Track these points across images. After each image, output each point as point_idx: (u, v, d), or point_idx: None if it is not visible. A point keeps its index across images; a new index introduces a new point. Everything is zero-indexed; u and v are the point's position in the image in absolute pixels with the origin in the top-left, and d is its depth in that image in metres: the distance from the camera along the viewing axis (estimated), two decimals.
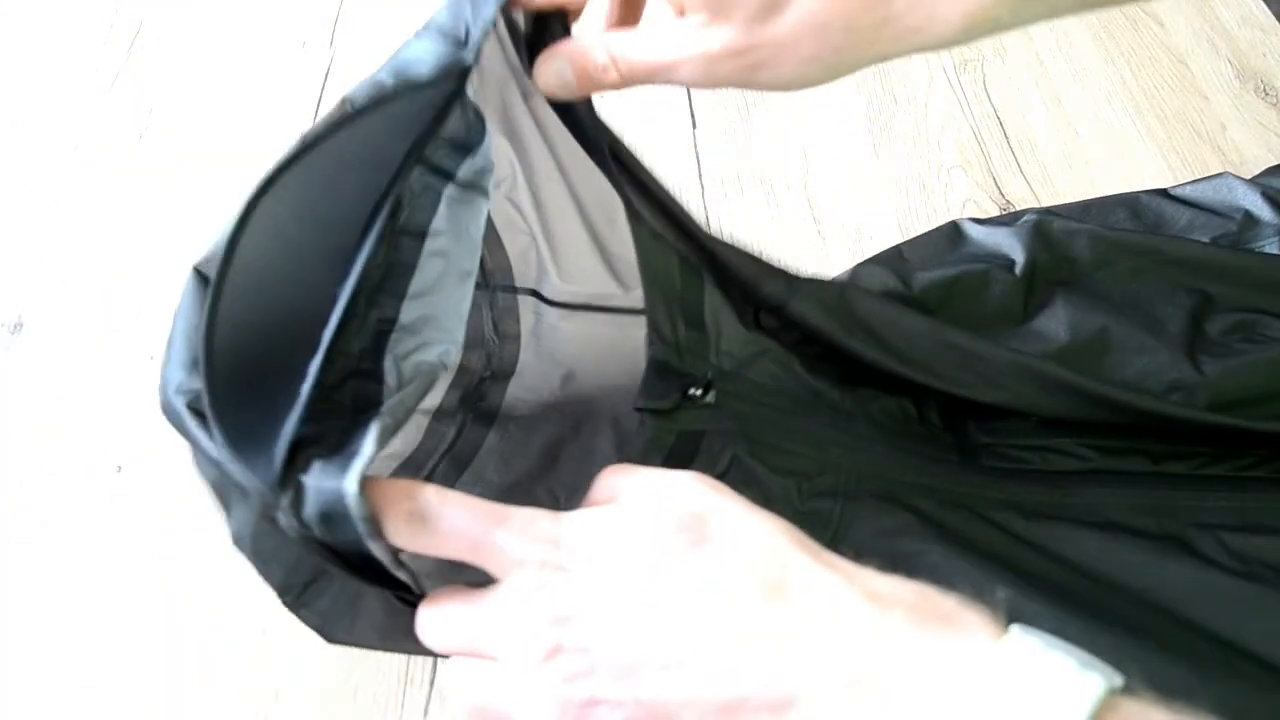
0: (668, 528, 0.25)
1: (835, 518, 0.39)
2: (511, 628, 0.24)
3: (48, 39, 0.67)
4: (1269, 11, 0.66)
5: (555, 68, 0.30)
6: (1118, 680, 0.21)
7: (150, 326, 0.52)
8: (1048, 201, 0.56)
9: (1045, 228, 0.47)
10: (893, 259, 0.50)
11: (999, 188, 0.57)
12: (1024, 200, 0.56)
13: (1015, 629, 0.22)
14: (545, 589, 0.24)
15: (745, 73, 0.29)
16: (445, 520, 0.24)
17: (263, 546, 0.28)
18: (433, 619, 0.26)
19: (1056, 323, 0.44)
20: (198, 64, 0.65)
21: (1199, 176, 0.56)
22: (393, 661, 0.41)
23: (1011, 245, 0.47)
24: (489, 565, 0.25)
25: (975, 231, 0.50)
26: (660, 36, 0.29)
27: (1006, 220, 0.51)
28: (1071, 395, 0.39)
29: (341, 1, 0.69)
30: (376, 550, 0.23)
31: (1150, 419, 0.40)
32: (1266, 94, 0.61)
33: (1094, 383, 0.39)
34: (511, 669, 0.24)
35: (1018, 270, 0.46)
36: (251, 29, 0.67)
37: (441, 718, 0.40)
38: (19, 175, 0.59)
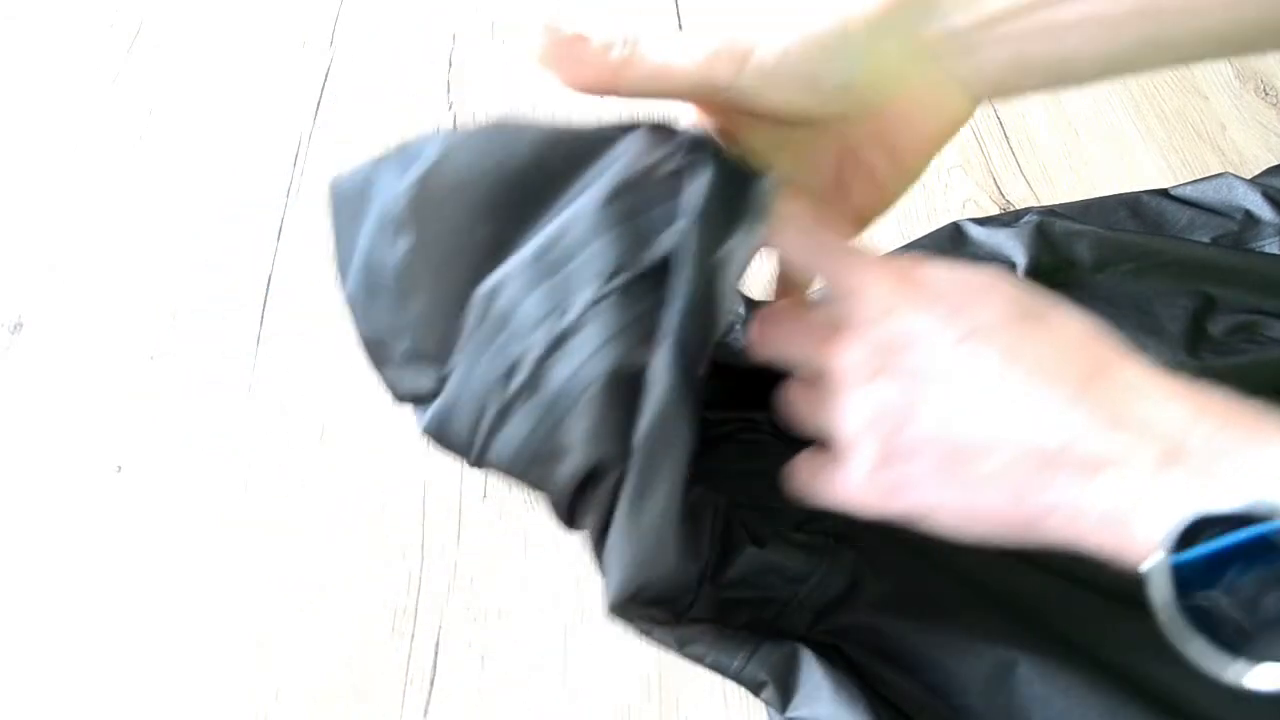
0: (1014, 300, 0.26)
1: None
2: (848, 348, 0.26)
3: (48, 40, 0.67)
4: None
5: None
6: None
7: (150, 326, 0.52)
8: (1048, 201, 0.56)
9: (1047, 228, 0.47)
10: None
11: (999, 188, 0.57)
12: (1024, 200, 0.56)
13: None
14: (891, 317, 0.26)
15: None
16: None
17: None
18: (773, 324, 0.29)
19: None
20: (198, 64, 0.65)
21: (1199, 176, 0.56)
22: (392, 662, 0.41)
23: (1013, 246, 0.47)
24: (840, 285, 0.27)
25: (976, 233, 0.50)
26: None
27: (1007, 220, 0.51)
28: None
29: (341, 1, 0.69)
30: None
31: None
32: (1266, 94, 0.61)
33: None
34: (838, 387, 0.26)
35: (1020, 272, 0.46)
36: (251, 29, 0.67)
37: (441, 718, 0.40)
38: (19, 175, 0.59)
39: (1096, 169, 0.57)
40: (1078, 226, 0.48)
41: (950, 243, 0.51)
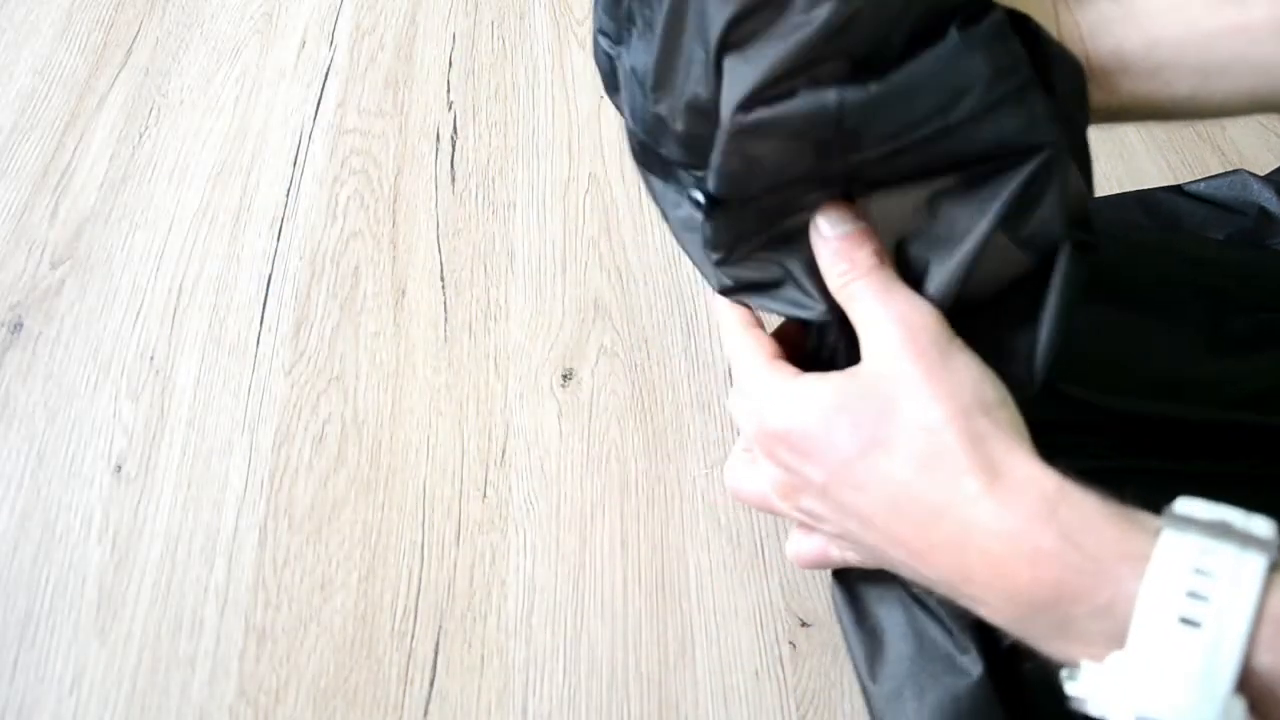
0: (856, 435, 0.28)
1: None
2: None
3: (47, 39, 0.67)
4: None
5: None
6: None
7: (150, 326, 0.52)
8: None
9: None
10: None
11: None
12: None
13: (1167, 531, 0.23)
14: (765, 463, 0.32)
15: None
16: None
17: None
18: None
19: (1078, 324, 0.44)
20: (197, 64, 0.65)
21: (1198, 176, 0.56)
22: (392, 662, 0.41)
23: None
24: None
25: None
26: None
27: None
28: (1091, 410, 0.40)
29: (341, 1, 0.69)
30: None
31: (1173, 421, 0.40)
32: None
33: (1113, 398, 0.40)
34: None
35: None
36: (251, 28, 0.67)
37: (441, 718, 0.40)
38: (18, 175, 0.59)
39: (1096, 168, 0.57)
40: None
41: None
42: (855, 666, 0.38)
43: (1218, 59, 0.28)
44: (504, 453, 0.47)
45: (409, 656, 0.41)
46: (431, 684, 0.41)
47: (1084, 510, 0.24)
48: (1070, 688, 0.23)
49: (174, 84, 0.64)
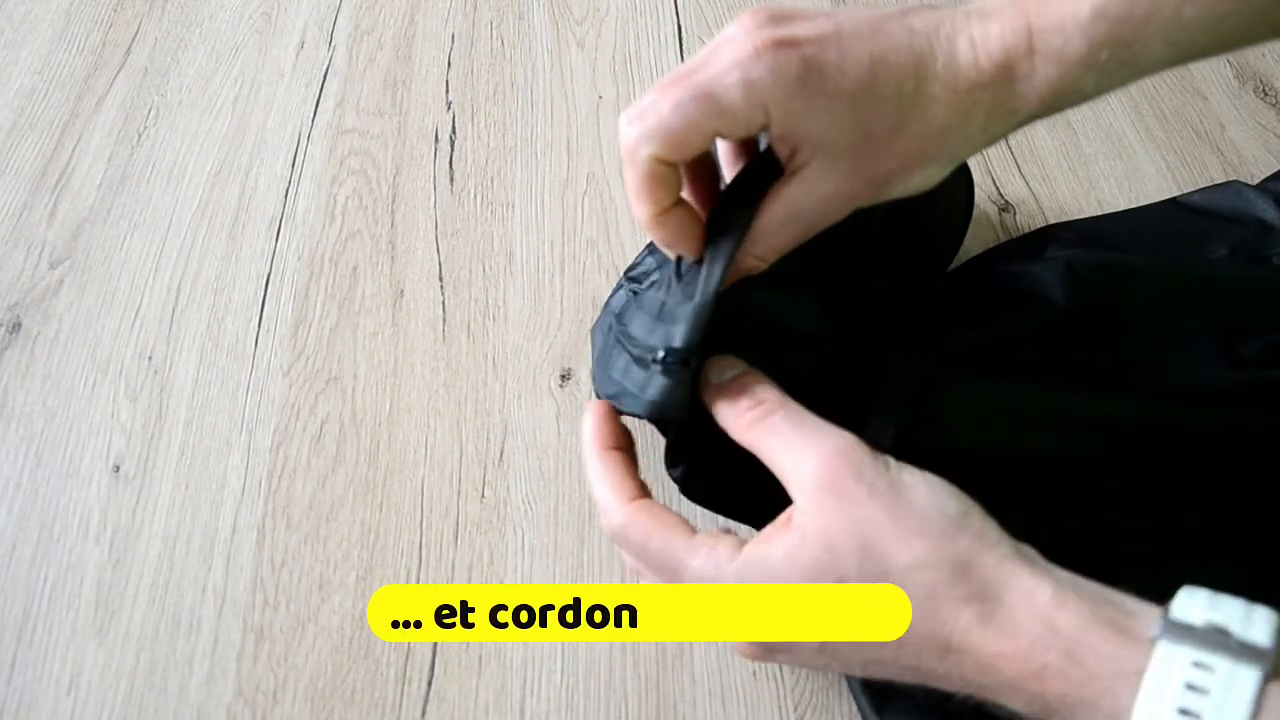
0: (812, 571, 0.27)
1: None
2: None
3: (46, 39, 0.67)
4: None
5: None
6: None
7: (149, 326, 0.52)
8: (1046, 200, 0.56)
9: (1077, 266, 0.47)
10: (934, 307, 0.50)
11: (997, 188, 0.57)
12: (1023, 200, 0.56)
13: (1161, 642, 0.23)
14: None
15: (879, 193, 0.30)
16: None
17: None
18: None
19: (1097, 357, 0.45)
20: (196, 64, 0.65)
21: (1198, 176, 0.56)
22: (390, 662, 0.41)
23: (1047, 283, 0.47)
24: None
25: (1002, 273, 0.49)
26: (788, 206, 0.30)
27: (1030, 250, 0.50)
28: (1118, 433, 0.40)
29: (341, 1, 0.69)
30: None
31: (1190, 437, 0.40)
32: (1266, 94, 0.61)
33: (1132, 407, 0.40)
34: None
35: (1054, 310, 0.46)
36: (250, 28, 0.67)
37: (439, 718, 0.40)
38: (17, 175, 0.59)
39: (1095, 169, 0.57)
40: (1104, 258, 0.47)
41: (980, 282, 0.50)
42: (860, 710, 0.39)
43: None
44: (502, 453, 0.47)
45: (407, 657, 0.41)
46: (429, 684, 0.41)
47: (1081, 617, 0.24)
48: None
49: (173, 84, 0.64)
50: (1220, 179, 0.55)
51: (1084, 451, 0.41)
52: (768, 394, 0.30)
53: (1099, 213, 0.55)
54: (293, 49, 0.66)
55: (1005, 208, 0.56)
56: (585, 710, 0.40)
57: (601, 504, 0.30)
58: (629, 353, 0.32)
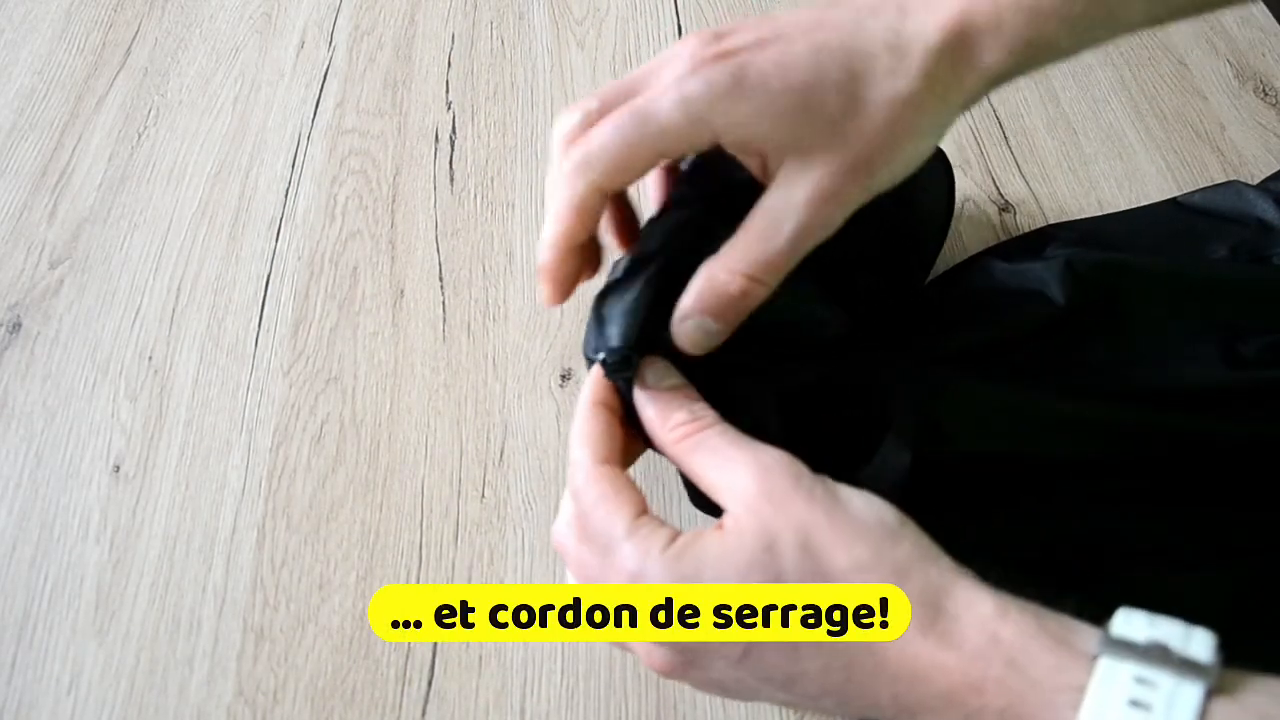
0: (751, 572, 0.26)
1: None
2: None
3: (46, 39, 0.67)
4: (1269, 12, 0.65)
5: (692, 325, 0.29)
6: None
7: (149, 326, 0.52)
8: (1046, 200, 0.56)
9: (1076, 265, 0.47)
10: (932, 307, 0.50)
11: (998, 188, 0.57)
12: (1023, 200, 0.56)
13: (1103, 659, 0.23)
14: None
15: (864, 182, 0.28)
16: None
17: None
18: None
19: (1096, 358, 0.45)
20: (196, 64, 0.65)
21: (1198, 176, 0.56)
22: (390, 662, 0.41)
23: (1047, 281, 0.47)
24: None
25: (1001, 270, 0.49)
26: (767, 214, 0.28)
27: (1030, 249, 0.51)
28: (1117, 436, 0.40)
29: (341, 1, 0.69)
30: None
31: (1189, 441, 0.40)
32: (1266, 94, 0.61)
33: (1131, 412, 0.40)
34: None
35: (1054, 309, 0.46)
36: (250, 28, 0.67)
37: (439, 718, 0.40)
38: (17, 175, 0.59)
39: (1095, 168, 0.57)
40: (1104, 258, 0.47)
41: (980, 281, 0.50)
42: None
43: None
44: (502, 453, 0.47)
45: (407, 657, 0.41)
46: (429, 684, 0.41)
47: (1024, 629, 0.23)
48: None
49: (173, 84, 0.64)
50: (1220, 179, 0.55)
51: (1083, 452, 0.41)
52: (704, 411, 0.29)
53: (1099, 213, 0.55)
54: (293, 49, 0.66)
55: (1005, 208, 0.56)
56: (585, 710, 0.40)
57: (572, 457, 0.29)
58: (586, 358, 0.32)
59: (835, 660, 0.25)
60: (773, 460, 0.27)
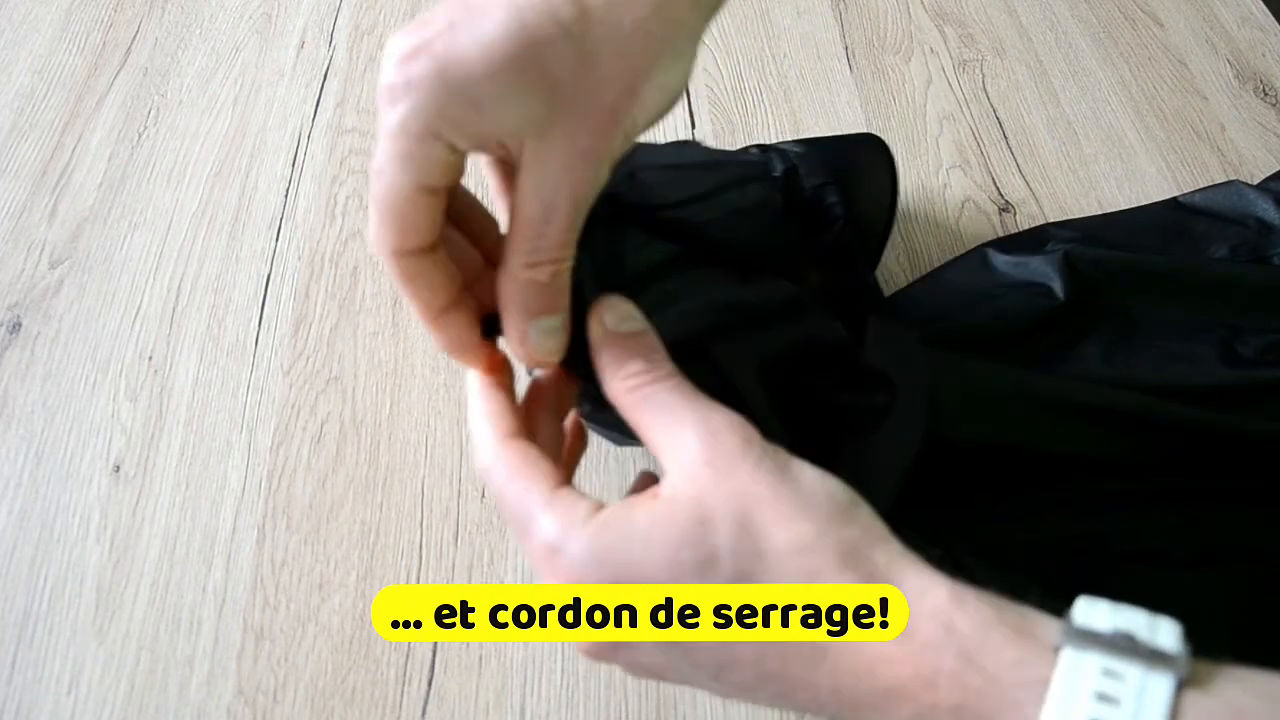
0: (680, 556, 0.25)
1: None
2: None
3: (46, 39, 0.67)
4: (1268, 11, 0.66)
5: (534, 333, 0.27)
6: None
7: (149, 326, 0.52)
8: (1046, 200, 0.56)
9: (1076, 259, 0.47)
10: (933, 292, 0.50)
11: (997, 188, 0.57)
12: (1023, 200, 0.56)
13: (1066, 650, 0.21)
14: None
15: (615, 130, 0.25)
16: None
17: None
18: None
19: (1094, 353, 0.45)
20: (196, 64, 0.65)
21: (1198, 176, 0.56)
22: (390, 662, 0.41)
23: (1047, 274, 0.47)
24: None
25: (1002, 262, 0.49)
26: (534, 199, 0.25)
27: (1030, 244, 0.51)
28: (1117, 427, 0.40)
29: (340, 1, 0.69)
30: None
31: (1188, 436, 0.40)
32: (1266, 94, 0.61)
33: (1134, 398, 0.40)
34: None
35: (1053, 300, 0.46)
36: (250, 28, 0.67)
37: (439, 718, 0.40)
38: (17, 175, 0.59)
39: (1095, 168, 0.57)
40: (1104, 254, 0.47)
41: (979, 272, 0.50)
42: None
43: None
44: None
45: (407, 656, 0.41)
46: (429, 684, 0.41)
47: (980, 620, 0.22)
48: None
49: (173, 84, 0.64)
50: (1220, 179, 0.55)
51: (1083, 450, 0.41)
52: (663, 363, 0.26)
53: (1099, 213, 0.55)
54: (293, 49, 0.66)
55: (1005, 208, 0.56)
56: (585, 710, 0.40)
57: (473, 437, 0.27)
58: None
59: (770, 648, 0.23)
60: (722, 423, 0.25)
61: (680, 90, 0.26)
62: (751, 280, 0.35)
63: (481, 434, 0.27)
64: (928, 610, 0.22)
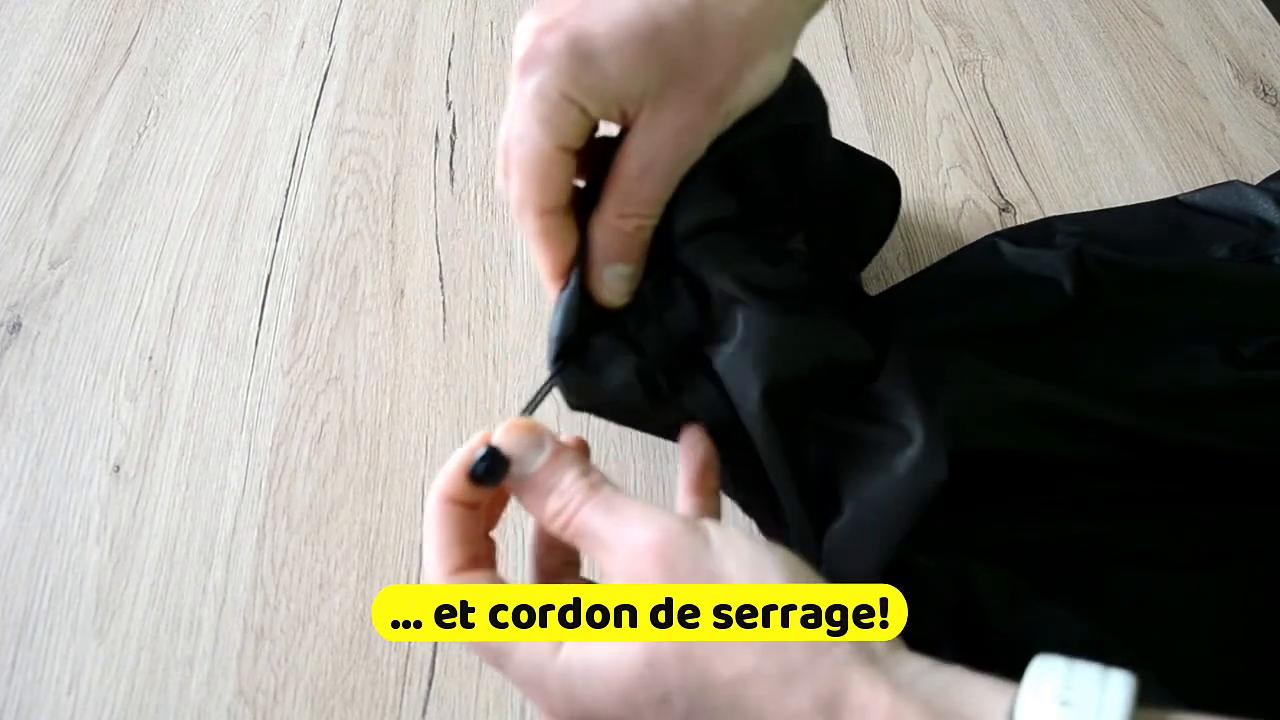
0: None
1: None
2: None
3: (46, 39, 0.67)
4: (1268, 11, 0.66)
5: (609, 274, 0.30)
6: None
7: (149, 326, 0.52)
8: (1046, 200, 0.56)
9: (1084, 258, 0.47)
10: (943, 282, 0.50)
11: (998, 188, 0.57)
12: (1023, 200, 0.56)
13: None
14: None
15: (719, 109, 0.29)
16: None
17: None
18: None
19: (1096, 352, 0.45)
20: (196, 64, 0.65)
21: (1198, 176, 0.56)
22: (390, 662, 0.41)
23: (1058, 269, 0.47)
24: None
25: (1012, 253, 0.49)
26: (636, 157, 0.29)
27: (1039, 237, 0.51)
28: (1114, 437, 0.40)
29: (340, 1, 0.69)
30: None
31: (1185, 450, 0.40)
32: (1266, 94, 0.61)
33: (1128, 415, 0.40)
34: None
35: (1065, 299, 0.46)
36: (251, 28, 0.67)
37: (440, 718, 0.40)
38: (17, 175, 0.59)
39: (1095, 168, 0.57)
40: (1109, 255, 0.47)
41: (988, 260, 0.50)
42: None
43: None
44: None
45: (407, 656, 0.41)
46: (430, 684, 0.41)
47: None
48: None
49: (173, 84, 0.64)
50: (1220, 179, 0.55)
51: (1083, 451, 0.41)
52: (573, 485, 0.27)
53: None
54: (293, 49, 0.66)
55: (1005, 208, 0.56)
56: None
57: (424, 563, 0.28)
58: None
59: (771, 648, 0.24)
60: (648, 542, 0.25)
61: (779, 79, 0.30)
62: (779, 261, 0.34)
63: (430, 565, 0.28)
64: None
